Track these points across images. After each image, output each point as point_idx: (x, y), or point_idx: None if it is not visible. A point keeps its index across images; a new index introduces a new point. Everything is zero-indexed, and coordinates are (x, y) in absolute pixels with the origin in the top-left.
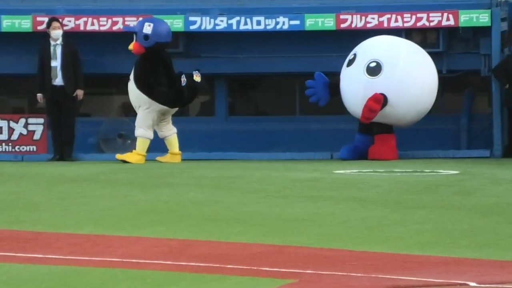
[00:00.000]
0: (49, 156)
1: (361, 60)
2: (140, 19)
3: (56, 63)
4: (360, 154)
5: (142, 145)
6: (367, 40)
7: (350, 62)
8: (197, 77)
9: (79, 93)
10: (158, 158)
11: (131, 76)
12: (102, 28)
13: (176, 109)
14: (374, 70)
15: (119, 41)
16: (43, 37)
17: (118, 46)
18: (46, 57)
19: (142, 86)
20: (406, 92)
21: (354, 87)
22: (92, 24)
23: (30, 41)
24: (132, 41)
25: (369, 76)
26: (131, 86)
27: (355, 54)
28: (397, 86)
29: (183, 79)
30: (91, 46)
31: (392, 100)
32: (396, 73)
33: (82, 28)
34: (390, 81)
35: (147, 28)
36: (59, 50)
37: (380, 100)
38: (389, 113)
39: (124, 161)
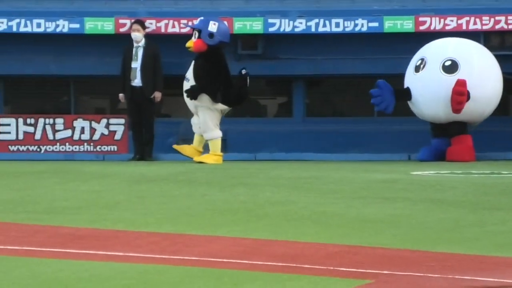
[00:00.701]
0: (130, 156)
1: (434, 61)
2: (201, 18)
3: (136, 64)
4: (438, 156)
5: (215, 145)
6: (429, 44)
7: (419, 68)
8: (244, 73)
9: (157, 95)
10: (198, 159)
11: (189, 75)
12: (182, 30)
13: (230, 108)
14: (450, 68)
15: None
16: (126, 39)
17: None
18: (128, 58)
19: (205, 85)
20: (485, 87)
21: (433, 88)
22: (173, 26)
23: (112, 43)
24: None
25: (446, 74)
26: (188, 85)
27: (422, 59)
28: (477, 81)
29: (247, 80)
30: (173, 47)
31: (473, 95)
32: (474, 69)
33: (163, 30)
34: (469, 77)
35: (213, 27)
36: (140, 52)
37: (465, 84)
38: (472, 108)
39: (202, 162)
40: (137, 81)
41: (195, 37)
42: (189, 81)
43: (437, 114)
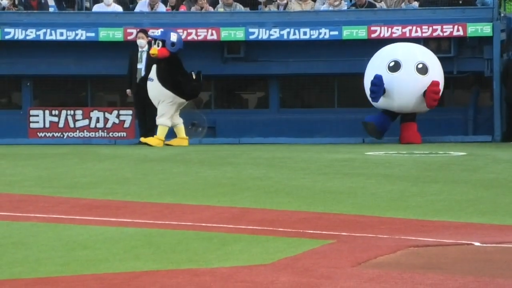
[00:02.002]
0: (136, 141)
1: (408, 64)
2: (161, 29)
3: (141, 65)
4: (380, 125)
5: (162, 131)
6: (395, 49)
7: (395, 68)
8: (198, 75)
9: None
10: (168, 142)
11: (153, 76)
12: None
13: (187, 102)
14: (422, 70)
15: (191, 48)
16: (133, 45)
17: (191, 52)
18: (134, 60)
19: (167, 84)
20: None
21: (409, 86)
22: None
23: (121, 49)
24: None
25: (420, 75)
26: (153, 85)
27: (395, 61)
28: (440, 80)
29: (200, 77)
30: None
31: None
32: (436, 71)
33: None
34: (436, 77)
35: (174, 37)
36: (144, 55)
37: (438, 84)
38: None
39: (147, 144)
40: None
41: (158, 45)
42: (153, 81)
43: (407, 106)
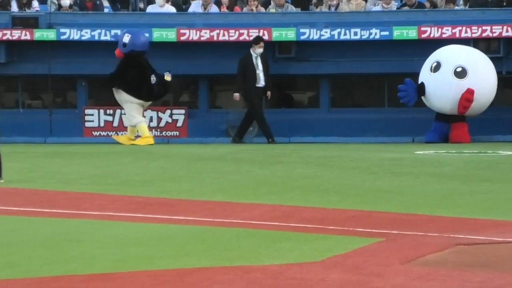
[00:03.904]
0: (189, 140)
1: (447, 66)
2: (123, 31)
3: (258, 71)
4: (440, 136)
5: (143, 129)
6: (443, 50)
7: (435, 69)
8: (167, 77)
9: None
10: (134, 142)
11: (112, 75)
12: (231, 39)
13: (150, 102)
14: (461, 74)
15: (244, 48)
16: (186, 46)
17: (242, 52)
18: (249, 64)
19: (118, 83)
20: (485, 91)
21: (445, 88)
22: (223, 35)
23: (175, 49)
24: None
25: (457, 79)
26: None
27: (438, 62)
28: (480, 86)
29: (153, 79)
30: (223, 52)
31: (476, 97)
32: (478, 76)
33: (215, 38)
34: (474, 83)
35: (126, 38)
36: (259, 61)
37: (473, 93)
38: (474, 106)
39: (136, 145)
40: (261, 83)
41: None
42: None
43: (445, 108)
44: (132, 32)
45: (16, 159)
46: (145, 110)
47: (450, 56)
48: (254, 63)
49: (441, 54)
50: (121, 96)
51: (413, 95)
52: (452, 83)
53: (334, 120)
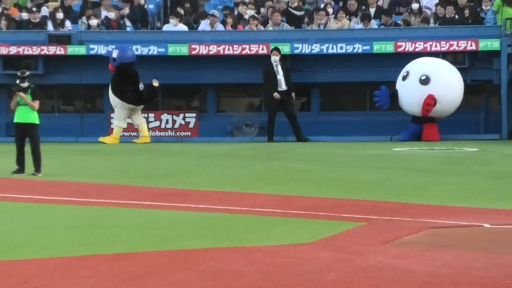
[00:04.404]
0: (199, 139)
1: (414, 75)
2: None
3: (280, 76)
4: (414, 136)
5: (117, 131)
6: (413, 61)
7: (405, 78)
8: (155, 83)
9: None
10: (133, 141)
11: (110, 86)
12: (235, 52)
13: (142, 106)
14: (425, 81)
15: (245, 61)
16: (198, 59)
17: (245, 64)
18: (271, 72)
19: (115, 92)
20: (449, 95)
21: (412, 95)
22: (228, 49)
23: (188, 62)
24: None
25: (422, 86)
26: (110, 92)
27: (407, 72)
28: (443, 91)
29: (141, 86)
30: (228, 64)
31: (439, 100)
32: (441, 82)
33: (221, 52)
34: (437, 88)
35: (114, 53)
36: (279, 68)
37: (433, 98)
38: (439, 109)
39: (103, 142)
40: (283, 87)
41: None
42: (109, 90)
43: (413, 111)
44: (120, 47)
45: (52, 156)
46: (142, 112)
47: (417, 66)
48: (275, 70)
49: (411, 65)
50: (115, 102)
51: (386, 100)
52: (417, 89)
53: (323, 122)
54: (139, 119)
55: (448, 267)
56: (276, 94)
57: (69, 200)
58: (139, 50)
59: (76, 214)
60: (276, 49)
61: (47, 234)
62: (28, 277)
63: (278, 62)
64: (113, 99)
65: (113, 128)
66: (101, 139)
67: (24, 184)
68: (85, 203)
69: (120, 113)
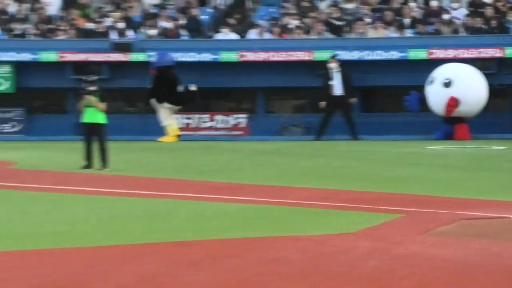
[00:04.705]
0: (250, 138)
1: (438, 79)
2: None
3: (334, 82)
4: (446, 136)
5: (171, 130)
6: (439, 67)
7: (431, 82)
8: (193, 87)
9: (353, 100)
10: (159, 139)
11: (148, 89)
12: (281, 59)
13: (179, 107)
14: (447, 84)
15: (290, 66)
16: (243, 65)
17: (290, 69)
18: (327, 79)
19: (152, 94)
20: (471, 96)
21: (436, 98)
22: (275, 56)
23: (237, 67)
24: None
25: (445, 89)
26: (149, 95)
27: (433, 77)
28: (465, 93)
29: (180, 88)
30: (274, 70)
31: (463, 101)
32: (463, 85)
33: (269, 59)
34: (460, 90)
35: (154, 59)
36: (335, 75)
37: (454, 99)
38: (462, 109)
39: (163, 142)
40: (337, 92)
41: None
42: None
43: (439, 112)
44: (159, 53)
45: (117, 153)
46: (176, 112)
47: (442, 71)
48: (330, 76)
49: (437, 70)
50: (154, 104)
51: (415, 104)
52: (441, 92)
53: (364, 122)
54: (172, 119)
55: (479, 255)
56: (321, 103)
57: (133, 192)
58: (194, 57)
59: (138, 206)
60: (333, 57)
61: (113, 223)
62: (95, 262)
63: (334, 70)
64: (152, 101)
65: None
66: (159, 139)
67: (92, 178)
68: (147, 196)
69: (163, 113)
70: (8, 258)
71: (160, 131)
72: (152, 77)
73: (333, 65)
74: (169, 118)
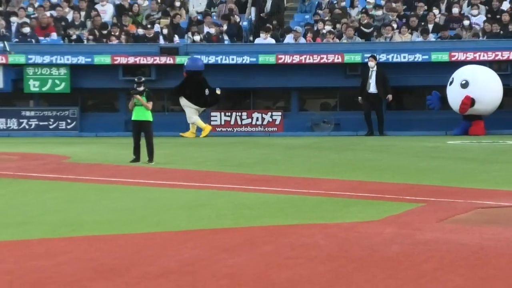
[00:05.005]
0: (284, 134)
1: (457, 80)
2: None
3: (371, 81)
4: (464, 131)
5: (200, 124)
6: (458, 69)
7: (450, 83)
8: (218, 91)
9: (389, 97)
10: (181, 134)
11: (176, 89)
12: (315, 61)
13: (204, 108)
14: (464, 85)
15: (322, 68)
16: (365, 66)
17: (321, 70)
18: (366, 77)
19: (184, 95)
20: (486, 96)
21: (455, 97)
22: (309, 59)
23: (274, 70)
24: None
25: (462, 89)
26: (175, 94)
27: (452, 78)
28: (480, 92)
29: (207, 91)
30: (308, 71)
31: (478, 100)
32: (479, 85)
33: (303, 61)
34: (475, 90)
35: (185, 63)
36: (373, 74)
37: (469, 98)
38: (478, 107)
39: (184, 137)
40: (371, 90)
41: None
42: None
43: (457, 110)
44: (191, 58)
45: (162, 148)
46: (202, 112)
47: (460, 73)
48: (368, 75)
49: (457, 72)
50: (183, 102)
51: (436, 103)
52: (459, 92)
53: (390, 118)
54: (196, 118)
55: (493, 240)
56: (359, 98)
57: (176, 184)
58: (235, 60)
59: (182, 196)
60: (372, 56)
61: (158, 212)
62: (141, 247)
63: (373, 68)
64: (180, 100)
65: (191, 125)
66: (182, 134)
67: (140, 171)
68: (190, 187)
69: (190, 112)
70: (64, 244)
71: (199, 128)
72: (183, 79)
73: (371, 64)
74: (195, 117)
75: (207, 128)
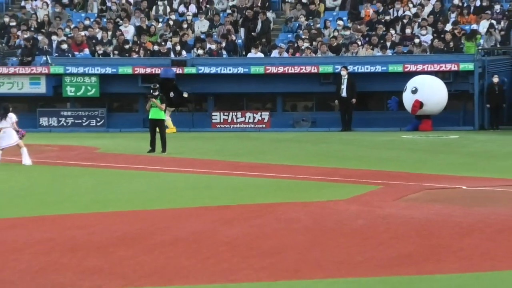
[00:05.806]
0: (271, 130)
1: (409, 87)
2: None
3: (343, 86)
4: (415, 127)
5: (169, 123)
6: (412, 78)
7: (405, 90)
8: (185, 95)
9: (353, 100)
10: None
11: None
12: (295, 71)
13: (173, 108)
14: (414, 91)
15: (301, 77)
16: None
17: (301, 79)
18: (339, 83)
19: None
20: (432, 100)
21: (407, 100)
22: (291, 69)
23: (263, 79)
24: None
25: (412, 95)
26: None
27: (406, 86)
28: (427, 97)
29: (171, 94)
30: (290, 80)
31: (425, 103)
32: (426, 91)
33: (286, 71)
34: (423, 95)
35: (160, 71)
36: (345, 81)
37: (418, 102)
38: (426, 109)
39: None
40: (343, 94)
41: None
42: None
43: (410, 112)
44: (165, 68)
45: (173, 141)
46: (174, 111)
47: (411, 81)
48: (341, 81)
49: (409, 81)
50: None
51: (395, 105)
52: (410, 97)
53: (356, 117)
54: (168, 118)
55: (437, 214)
56: (335, 102)
57: (184, 170)
58: (231, 70)
59: (188, 179)
60: (344, 67)
61: (170, 192)
62: (156, 221)
63: (345, 77)
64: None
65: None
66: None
67: (155, 159)
68: (196, 172)
69: (167, 112)
70: (94, 218)
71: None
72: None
73: (343, 73)
74: (167, 116)
75: (172, 129)
